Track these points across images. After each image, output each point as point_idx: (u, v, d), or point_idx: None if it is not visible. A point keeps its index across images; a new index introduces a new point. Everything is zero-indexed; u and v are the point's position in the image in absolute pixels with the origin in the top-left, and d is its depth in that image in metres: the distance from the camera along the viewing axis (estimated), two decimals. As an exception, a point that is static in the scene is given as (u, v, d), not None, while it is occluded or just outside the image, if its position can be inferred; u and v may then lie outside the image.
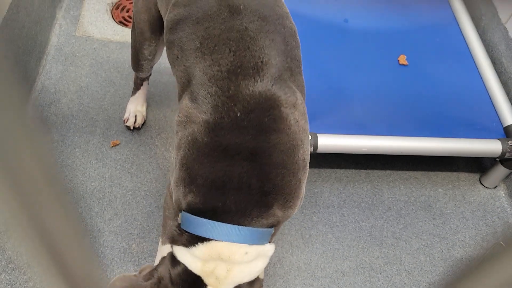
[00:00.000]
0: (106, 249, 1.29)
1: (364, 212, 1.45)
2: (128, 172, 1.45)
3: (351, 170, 1.55)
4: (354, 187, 1.51)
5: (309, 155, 0.90)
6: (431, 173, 1.58)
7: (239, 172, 0.81)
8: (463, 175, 1.59)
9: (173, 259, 0.86)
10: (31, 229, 0.19)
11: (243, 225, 0.83)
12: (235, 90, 0.82)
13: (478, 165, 1.62)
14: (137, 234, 1.33)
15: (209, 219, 0.82)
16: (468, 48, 1.70)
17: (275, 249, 1.35)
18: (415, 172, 1.58)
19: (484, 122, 1.49)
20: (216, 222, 0.82)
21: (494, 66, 1.68)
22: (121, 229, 1.33)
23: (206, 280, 0.84)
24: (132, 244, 1.31)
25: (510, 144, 1.41)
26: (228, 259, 0.83)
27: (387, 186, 1.53)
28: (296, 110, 0.86)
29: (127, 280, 0.87)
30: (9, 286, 1.20)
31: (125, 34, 1.83)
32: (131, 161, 1.47)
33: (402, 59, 1.63)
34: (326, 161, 1.56)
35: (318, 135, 1.36)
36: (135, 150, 1.50)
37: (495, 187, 1.56)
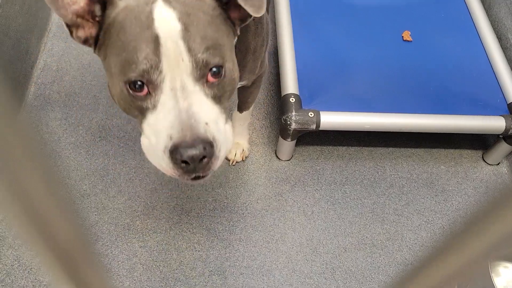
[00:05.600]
0: (110, 226, 1.31)
1: (366, 189, 1.46)
2: (131, 150, 1.46)
3: (353, 147, 1.55)
4: (356, 164, 1.51)
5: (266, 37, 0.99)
6: (434, 150, 1.58)
7: None
8: (466, 152, 1.59)
9: None
10: (20, 207, 0.20)
11: None
12: None
13: (481, 142, 1.62)
14: (141, 211, 1.34)
15: None
16: (473, 23, 1.67)
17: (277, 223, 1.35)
18: (418, 149, 1.57)
19: (488, 99, 1.48)
20: None
21: (499, 41, 1.66)
22: (125, 206, 1.35)
23: None
24: (136, 221, 1.33)
25: (514, 121, 1.40)
26: None
27: (389, 164, 1.53)
28: None
29: None
30: (16, 262, 1.22)
31: (126, 11, 1.81)
32: (134, 139, 1.48)
33: (406, 35, 1.60)
34: (328, 138, 1.56)
35: (321, 112, 1.36)
36: (138, 128, 1.50)
37: (498, 164, 1.56)
